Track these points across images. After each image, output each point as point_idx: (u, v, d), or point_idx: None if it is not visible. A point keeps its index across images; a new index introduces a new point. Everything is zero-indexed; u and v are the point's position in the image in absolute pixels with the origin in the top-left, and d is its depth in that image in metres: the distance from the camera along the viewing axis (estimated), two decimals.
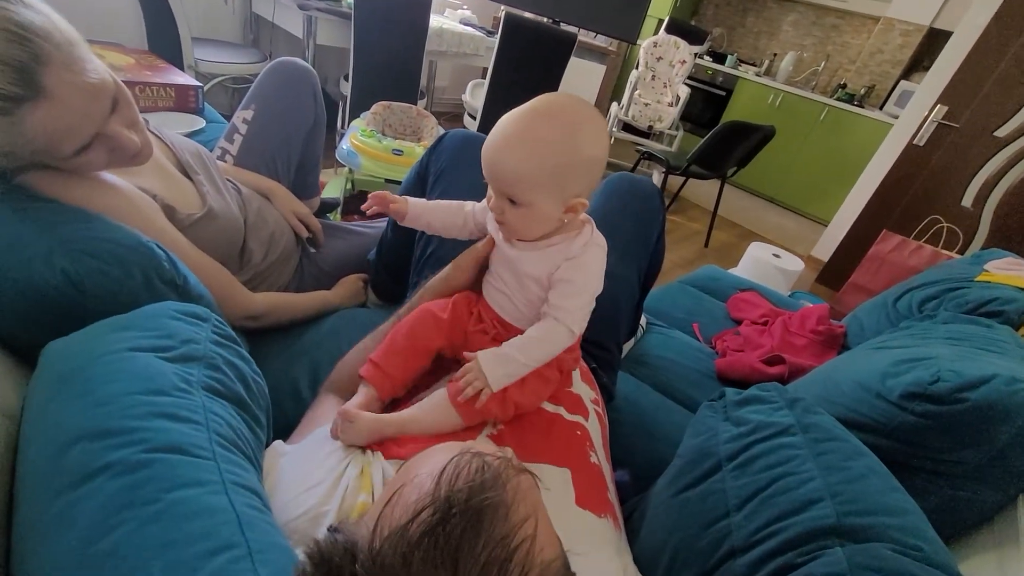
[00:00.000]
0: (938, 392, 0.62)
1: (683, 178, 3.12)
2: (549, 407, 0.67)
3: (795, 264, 2.09)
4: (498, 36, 2.28)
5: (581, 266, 0.61)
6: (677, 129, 3.44)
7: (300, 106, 1.17)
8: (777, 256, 2.12)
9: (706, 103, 4.37)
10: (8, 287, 0.50)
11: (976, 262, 1.18)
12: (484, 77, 2.49)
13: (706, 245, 3.08)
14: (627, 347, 1.26)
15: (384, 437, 0.57)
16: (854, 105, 3.73)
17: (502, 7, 2.51)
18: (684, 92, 3.36)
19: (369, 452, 0.54)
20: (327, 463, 0.51)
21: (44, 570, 0.30)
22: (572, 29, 2.46)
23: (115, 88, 0.62)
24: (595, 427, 0.70)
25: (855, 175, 3.09)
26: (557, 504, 0.56)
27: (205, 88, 2.14)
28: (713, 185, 3.12)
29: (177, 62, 2.21)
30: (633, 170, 3.21)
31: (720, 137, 2.52)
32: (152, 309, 0.48)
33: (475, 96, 2.78)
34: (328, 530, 0.33)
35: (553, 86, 2.50)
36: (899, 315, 1.11)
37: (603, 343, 0.92)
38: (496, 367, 0.59)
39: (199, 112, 1.81)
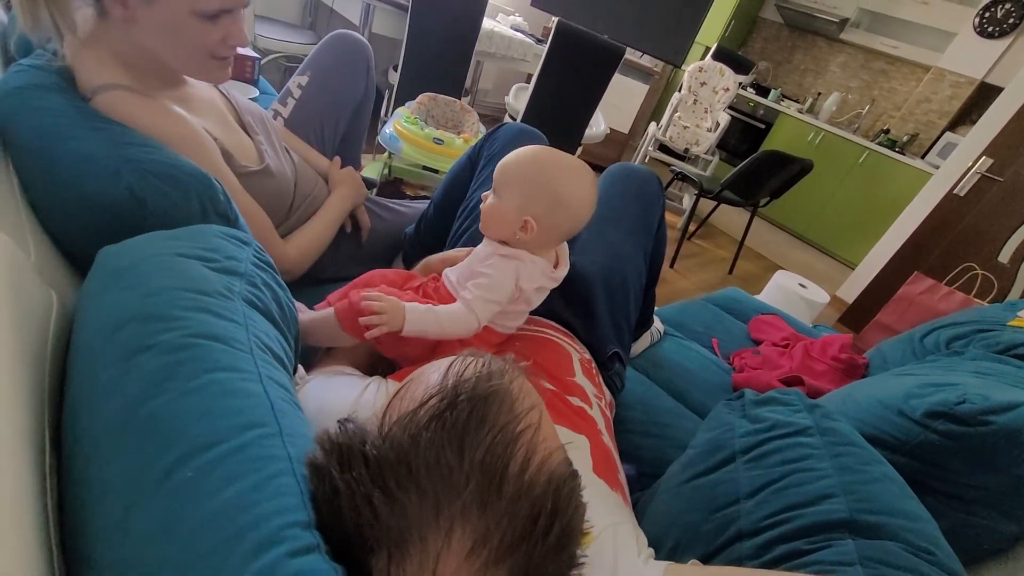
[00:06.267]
0: (963, 413, 0.61)
1: (714, 203, 3.11)
2: (550, 386, 0.68)
3: (821, 296, 2.06)
4: (548, 43, 2.32)
5: (494, 265, 0.69)
6: (713, 155, 3.43)
7: (353, 78, 1.21)
8: (803, 286, 2.09)
9: (744, 134, 4.36)
10: (76, 196, 0.53)
11: (1010, 308, 1.16)
12: (528, 82, 2.53)
13: (730, 272, 3.06)
14: (643, 344, 1.26)
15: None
16: (895, 151, 3.69)
17: (554, 17, 2.56)
18: (724, 119, 3.36)
19: (389, 380, 0.57)
20: (349, 390, 0.53)
21: (93, 432, 0.32)
22: (621, 45, 2.49)
23: None
24: (599, 417, 0.71)
25: (888, 221, 3.04)
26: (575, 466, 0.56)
27: (262, 62, 2.21)
28: (742, 215, 3.11)
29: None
30: (665, 190, 3.21)
31: (757, 164, 2.51)
32: (200, 227, 0.50)
33: (518, 99, 2.82)
34: (339, 422, 0.35)
35: (595, 99, 2.53)
36: (925, 351, 1.09)
37: (614, 317, 0.93)
38: (417, 323, 0.65)
39: (253, 82, 1.87)
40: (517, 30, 3.26)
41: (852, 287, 3.07)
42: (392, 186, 2.39)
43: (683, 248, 2.92)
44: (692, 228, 3.37)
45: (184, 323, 0.37)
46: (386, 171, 2.23)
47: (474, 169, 1.05)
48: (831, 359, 1.21)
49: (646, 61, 3.76)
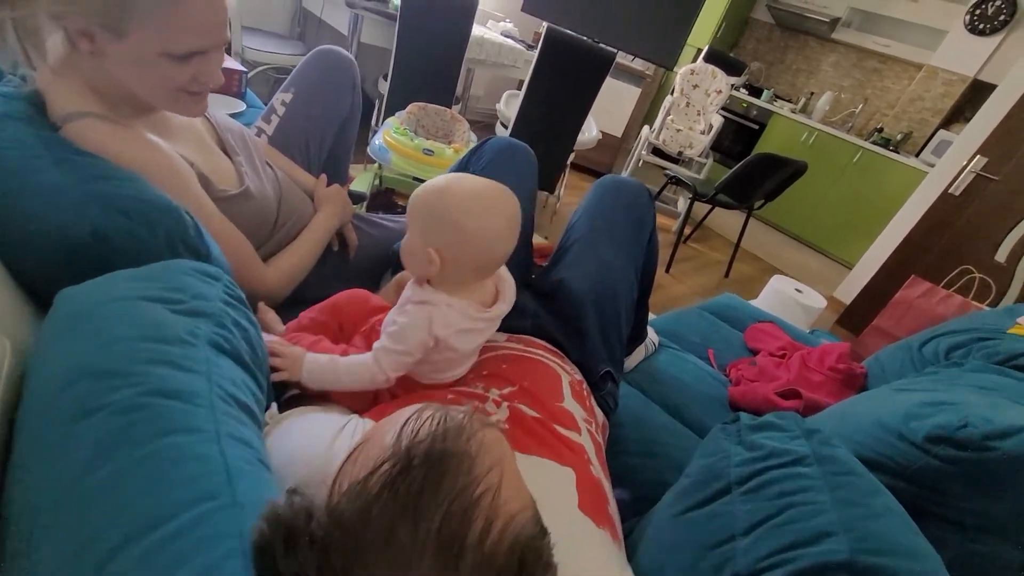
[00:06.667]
0: (966, 437, 0.59)
1: (708, 206, 3.09)
2: (537, 414, 0.65)
3: (817, 301, 2.05)
4: (538, 49, 2.30)
5: (407, 312, 0.65)
6: (707, 157, 3.43)
7: (338, 94, 1.19)
8: (799, 291, 2.08)
9: (738, 135, 4.36)
10: (38, 231, 0.51)
11: (1009, 315, 1.14)
12: (520, 89, 2.52)
13: (726, 276, 3.04)
14: (637, 358, 1.24)
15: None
16: (889, 150, 3.68)
17: (544, 23, 2.54)
18: (717, 121, 3.36)
19: (367, 420, 0.55)
20: (324, 433, 0.51)
21: (34, 502, 0.30)
22: (612, 49, 2.48)
23: None
24: (588, 444, 0.68)
25: (884, 220, 3.04)
26: (559, 505, 0.54)
27: (249, 75, 2.19)
28: (737, 217, 3.10)
29: (225, 48, 2.28)
30: (659, 194, 3.20)
31: (751, 167, 2.50)
32: (167, 264, 0.48)
33: (509, 106, 2.81)
34: (287, 492, 0.32)
35: (587, 104, 2.51)
36: (924, 360, 1.07)
37: (605, 333, 0.91)
38: (315, 373, 0.64)
39: (241, 96, 1.85)
40: (508, 36, 3.25)
41: (849, 288, 3.06)
42: (383, 196, 2.37)
43: (678, 252, 2.90)
44: (687, 232, 3.36)
45: (140, 379, 0.34)
46: (377, 181, 2.21)
47: None
48: (829, 369, 1.19)
49: (637, 64, 3.75)
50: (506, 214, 0.65)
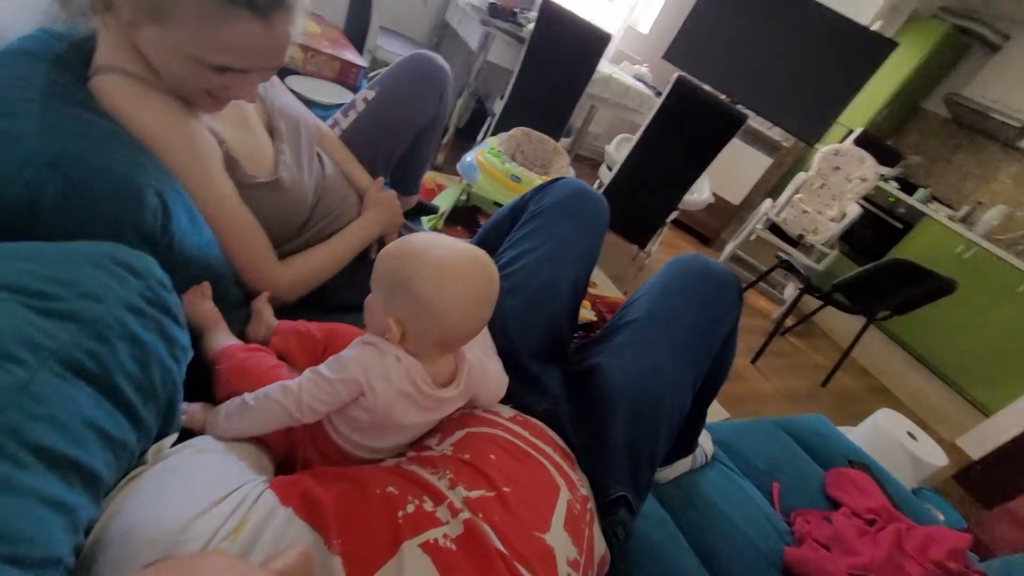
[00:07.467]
0: None
1: (820, 302, 2.71)
2: (501, 547, 0.49)
3: (935, 456, 1.64)
4: (663, 95, 2.14)
5: (354, 347, 0.57)
6: (832, 248, 3.03)
7: (422, 102, 1.12)
8: (913, 437, 1.68)
9: (875, 230, 3.83)
10: None
11: None
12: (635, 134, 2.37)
13: (823, 384, 2.63)
14: (679, 469, 1.02)
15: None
16: None
17: (678, 71, 2.39)
18: (853, 211, 2.96)
19: (268, 491, 0.43)
20: (198, 497, 0.40)
21: None
22: (744, 111, 2.25)
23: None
24: None
25: None
26: None
27: (371, 73, 2.26)
28: (854, 320, 2.67)
29: (361, 43, 2.39)
30: (765, 275, 2.86)
31: (884, 272, 2.13)
32: (79, 246, 0.40)
33: (619, 150, 2.66)
34: None
35: (703, 163, 2.30)
36: None
37: (633, 449, 0.71)
38: (223, 430, 0.55)
39: (354, 89, 1.88)
40: (640, 79, 3.13)
41: (981, 440, 2.51)
42: (468, 213, 2.34)
43: (773, 344, 2.55)
44: (788, 323, 2.97)
45: None
46: (464, 196, 2.17)
47: (514, 222, 0.90)
48: (933, 563, 0.89)
49: (774, 133, 3.46)
50: (475, 293, 0.56)
